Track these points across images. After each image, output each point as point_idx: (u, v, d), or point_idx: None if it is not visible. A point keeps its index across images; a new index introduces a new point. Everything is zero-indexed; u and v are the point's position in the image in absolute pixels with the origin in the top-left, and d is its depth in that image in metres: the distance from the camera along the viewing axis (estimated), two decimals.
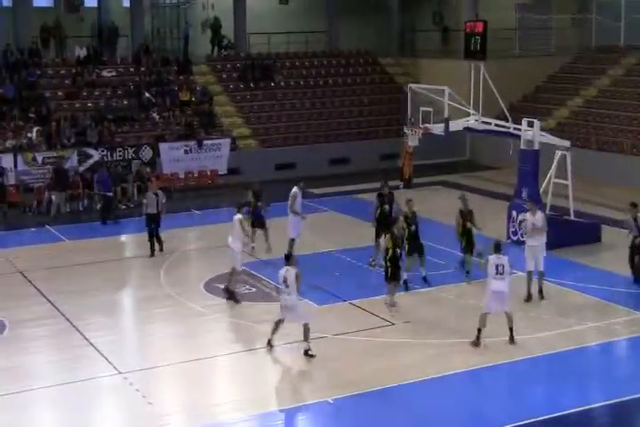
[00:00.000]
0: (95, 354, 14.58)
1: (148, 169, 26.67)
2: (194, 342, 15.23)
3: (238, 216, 17.30)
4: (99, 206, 24.61)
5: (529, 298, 16.77)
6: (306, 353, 14.19)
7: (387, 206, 19.06)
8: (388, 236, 16.60)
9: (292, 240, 19.41)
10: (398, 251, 16.31)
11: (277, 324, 14.35)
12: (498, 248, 14.68)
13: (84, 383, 13.51)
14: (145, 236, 20.38)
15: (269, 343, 14.50)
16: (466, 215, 18.11)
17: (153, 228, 20.13)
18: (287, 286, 14.01)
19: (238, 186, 26.10)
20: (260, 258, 19.46)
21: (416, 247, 17.54)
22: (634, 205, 18.04)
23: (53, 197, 24.63)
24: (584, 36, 35.24)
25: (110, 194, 24.05)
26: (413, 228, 17.55)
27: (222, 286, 17.30)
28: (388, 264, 16.30)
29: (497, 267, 14.43)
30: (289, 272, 14.05)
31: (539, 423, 12.06)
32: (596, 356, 14.66)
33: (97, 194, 24.73)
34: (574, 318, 15.94)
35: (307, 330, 14.13)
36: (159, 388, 13.63)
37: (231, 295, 16.96)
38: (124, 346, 15.34)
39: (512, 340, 14.60)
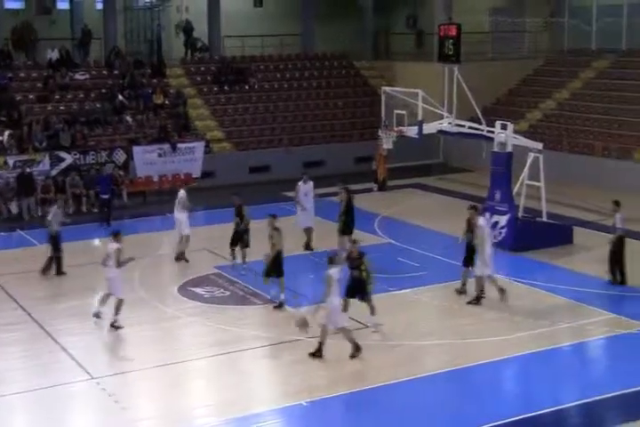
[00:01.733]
0: (68, 359, 14.48)
1: (122, 172, 26.53)
2: (168, 346, 15.16)
3: (182, 192, 20.19)
4: (71, 210, 24.48)
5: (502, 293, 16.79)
6: (112, 325, 15.66)
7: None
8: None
9: (308, 229, 20.63)
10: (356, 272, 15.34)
11: (104, 297, 16.04)
12: (333, 261, 14.18)
13: (57, 389, 13.40)
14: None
15: (97, 315, 15.99)
16: (472, 226, 16.97)
17: (58, 248, 18.92)
18: (109, 260, 15.79)
19: (213, 189, 26.09)
20: (234, 261, 19.40)
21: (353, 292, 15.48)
22: (617, 203, 17.95)
23: (13, 204, 24.46)
24: (556, 39, 35.57)
25: (105, 196, 23.76)
26: (356, 273, 15.27)
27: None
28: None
29: (339, 281, 14.02)
30: (111, 247, 15.74)
31: (514, 424, 12.12)
32: (568, 356, 14.75)
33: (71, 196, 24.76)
34: (546, 319, 16.04)
35: (119, 304, 15.69)
36: (133, 393, 13.56)
37: (180, 257, 19.76)
38: (97, 351, 15.24)
39: (356, 351, 14.18)
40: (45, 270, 18.97)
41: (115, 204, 24.62)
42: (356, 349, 14.24)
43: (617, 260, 17.81)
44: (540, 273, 18.81)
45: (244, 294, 17.59)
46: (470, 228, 17.10)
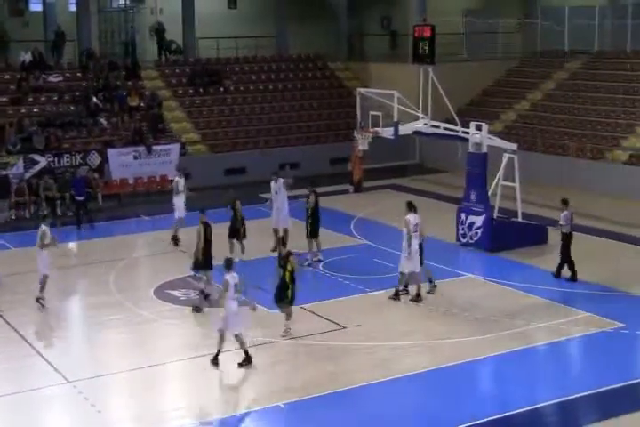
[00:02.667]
0: (43, 363, 14.36)
1: (97, 175, 26.38)
2: (143, 349, 15.09)
3: (178, 179, 21.65)
4: (45, 212, 24.28)
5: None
6: (37, 300, 16.93)
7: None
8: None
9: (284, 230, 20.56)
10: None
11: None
12: (229, 266, 14.07)
13: (32, 393, 13.30)
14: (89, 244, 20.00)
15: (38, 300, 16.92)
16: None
17: None
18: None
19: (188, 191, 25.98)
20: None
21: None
22: (565, 201, 18.52)
23: None
24: (529, 40, 35.81)
25: (80, 198, 23.64)
26: (281, 272, 15.36)
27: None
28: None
29: (235, 286, 13.88)
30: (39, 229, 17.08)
31: (490, 423, 12.18)
32: (543, 356, 14.85)
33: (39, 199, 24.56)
34: (521, 318, 16.13)
35: (44, 280, 17.00)
36: (108, 396, 13.49)
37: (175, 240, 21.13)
38: (73, 354, 15.13)
39: (246, 361, 13.91)
40: None
41: (90, 206, 24.46)
42: (247, 359, 13.99)
43: (564, 256, 18.26)
44: (515, 273, 18.92)
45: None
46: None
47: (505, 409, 12.57)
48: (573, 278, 18.16)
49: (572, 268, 18.20)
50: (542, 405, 12.77)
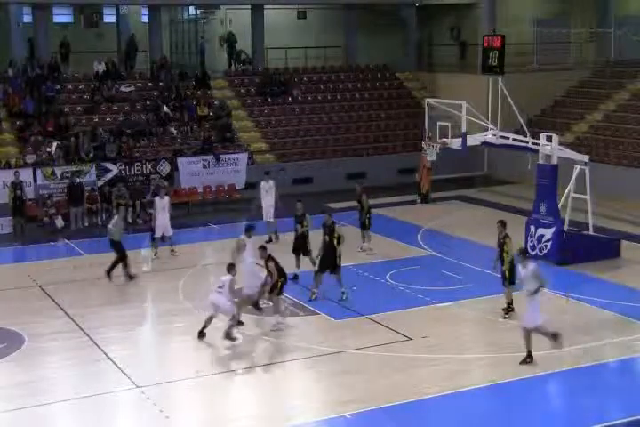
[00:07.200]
0: (113, 368, 14.59)
1: (166, 183, 26.74)
2: (212, 356, 15.21)
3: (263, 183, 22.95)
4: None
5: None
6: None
7: (326, 237, 18.09)
8: (508, 240, 16.58)
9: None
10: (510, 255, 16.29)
11: None
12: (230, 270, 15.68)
13: (102, 397, 13.51)
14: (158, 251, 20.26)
15: None
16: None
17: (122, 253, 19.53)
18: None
19: (256, 200, 26.17)
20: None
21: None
22: None
23: (58, 218, 24.75)
24: (603, 50, 35.19)
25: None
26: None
27: None
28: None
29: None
30: None
31: None
32: (613, 372, 14.49)
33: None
34: (591, 334, 15.80)
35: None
36: (176, 402, 13.61)
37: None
38: (142, 360, 15.33)
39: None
40: (110, 272, 19.36)
41: None
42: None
43: None
44: (585, 287, 18.55)
45: (286, 306, 17.57)
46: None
47: (576, 426, 12.31)
48: None
49: None
50: (612, 423, 12.45)
